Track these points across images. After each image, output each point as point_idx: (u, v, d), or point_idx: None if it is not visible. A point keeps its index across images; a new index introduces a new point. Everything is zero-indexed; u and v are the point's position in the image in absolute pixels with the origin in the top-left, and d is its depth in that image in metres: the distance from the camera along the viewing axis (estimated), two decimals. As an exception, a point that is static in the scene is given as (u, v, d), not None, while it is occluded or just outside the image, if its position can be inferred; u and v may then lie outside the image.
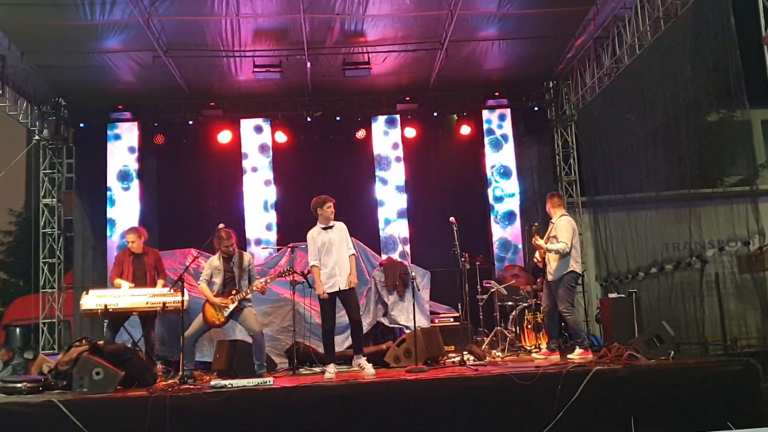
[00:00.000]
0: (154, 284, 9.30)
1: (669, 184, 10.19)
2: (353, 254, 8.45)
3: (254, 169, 13.72)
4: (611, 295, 10.10)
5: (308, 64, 12.04)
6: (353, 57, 12.09)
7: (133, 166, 13.51)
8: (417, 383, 7.19)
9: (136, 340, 9.21)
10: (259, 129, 13.80)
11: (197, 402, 6.72)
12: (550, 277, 9.04)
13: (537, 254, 9.36)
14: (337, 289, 8.14)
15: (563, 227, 8.91)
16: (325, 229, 8.36)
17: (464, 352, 8.97)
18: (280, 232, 13.40)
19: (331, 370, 7.95)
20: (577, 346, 8.82)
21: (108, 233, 13.22)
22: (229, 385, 7.02)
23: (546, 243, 9.00)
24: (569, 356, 8.77)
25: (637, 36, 10.48)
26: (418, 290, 9.61)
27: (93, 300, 8.78)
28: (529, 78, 13.69)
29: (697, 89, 9.34)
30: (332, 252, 8.20)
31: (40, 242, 13.31)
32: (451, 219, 8.97)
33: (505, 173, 13.96)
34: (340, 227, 8.43)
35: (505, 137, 14.09)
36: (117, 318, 9.06)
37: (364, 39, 11.60)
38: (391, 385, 7.20)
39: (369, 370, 8.04)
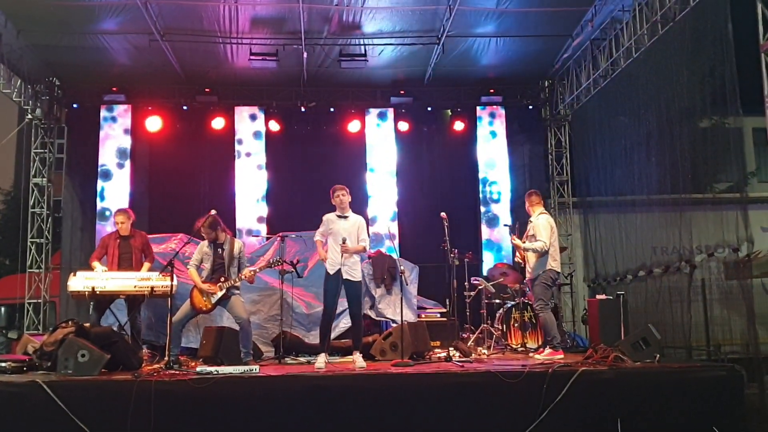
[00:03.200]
0: (140, 267, 9.28)
1: (661, 187, 10.20)
2: (363, 246, 8.46)
3: (247, 156, 13.67)
4: (599, 297, 10.13)
5: (304, 54, 11.99)
6: (350, 48, 12.08)
7: (126, 149, 13.45)
8: (402, 377, 7.22)
9: (122, 324, 9.17)
10: (253, 117, 13.74)
11: (182, 388, 6.72)
12: (528, 276, 9.10)
13: (518, 253, 9.41)
14: (337, 271, 8.15)
15: (542, 226, 8.94)
16: (340, 217, 8.44)
17: (450, 348, 8.97)
18: (271, 221, 13.36)
19: (321, 359, 7.98)
20: (547, 346, 8.82)
21: (97, 215, 13.16)
22: (215, 372, 7.02)
23: (524, 242, 9.04)
24: (536, 356, 8.78)
25: (634, 39, 10.48)
26: (407, 284, 9.61)
27: (80, 282, 8.74)
28: (525, 76, 13.73)
29: (693, 94, 9.34)
30: (338, 241, 8.20)
31: (28, 222, 13.25)
32: (442, 214, 8.96)
33: (497, 171, 13.96)
34: (355, 220, 8.50)
35: (498, 135, 14.08)
36: (103, 300, 9.03)
37: (361, 31, 11.58)
38: (376, 378, 7.24)
39: (359, 363, 8.05)
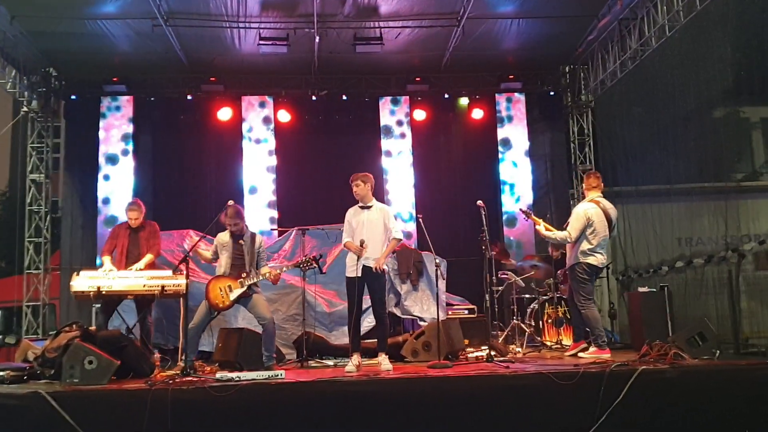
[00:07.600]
0: None
1: (699, 175, 9.63)
2: (396, 239, 7.79)
3: (255, 149, 13.05)
4: (641, 289, 9.43)
5: (317, 39, 11.34)
6: (365, 32, 11.44)
7: (128, 141, 12.81)
8: (443, 380, 6.56)
9: (131, 327, 8.49)
10: (261, 106, 13.14)
11: (202, 396, 6.07)
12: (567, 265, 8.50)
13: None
14: (359, 275, 7.41)
15: (574, 215, 8.32)
16: (362, 208, 7.80)
17: (484, 347, 8.29)
18: (282, 214, 12.79)
19: (354, 361, 7.36)
20: (592, 344, 8.15)
21: (98, 212, 12.53)
22: (237, 378, 6.37)
23: (565, 227, 8.38)
24: (580, 354, 8.13)
25: (668, 17, 9.85)
26: (443, 278, 8.97)
27: (85, 282, 8.02)
28: (546, 61, 13.14)
29: (737, 74, 8.74)
30: (363, 234, 7.54)
31: (26, 220, 12.62)
32: (479, 202, 8.16)
33: (518, 160, 13.33)
34: (379, 209, 7.83)
35: (518, 122, 13.45)
36: (110, 301, 8.35)
37: (377, 13, 10.97)
38: (414, 382, 6.59)
39: (386, 365, 7.36)
